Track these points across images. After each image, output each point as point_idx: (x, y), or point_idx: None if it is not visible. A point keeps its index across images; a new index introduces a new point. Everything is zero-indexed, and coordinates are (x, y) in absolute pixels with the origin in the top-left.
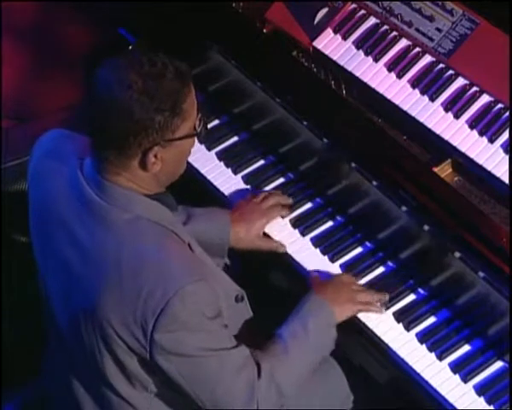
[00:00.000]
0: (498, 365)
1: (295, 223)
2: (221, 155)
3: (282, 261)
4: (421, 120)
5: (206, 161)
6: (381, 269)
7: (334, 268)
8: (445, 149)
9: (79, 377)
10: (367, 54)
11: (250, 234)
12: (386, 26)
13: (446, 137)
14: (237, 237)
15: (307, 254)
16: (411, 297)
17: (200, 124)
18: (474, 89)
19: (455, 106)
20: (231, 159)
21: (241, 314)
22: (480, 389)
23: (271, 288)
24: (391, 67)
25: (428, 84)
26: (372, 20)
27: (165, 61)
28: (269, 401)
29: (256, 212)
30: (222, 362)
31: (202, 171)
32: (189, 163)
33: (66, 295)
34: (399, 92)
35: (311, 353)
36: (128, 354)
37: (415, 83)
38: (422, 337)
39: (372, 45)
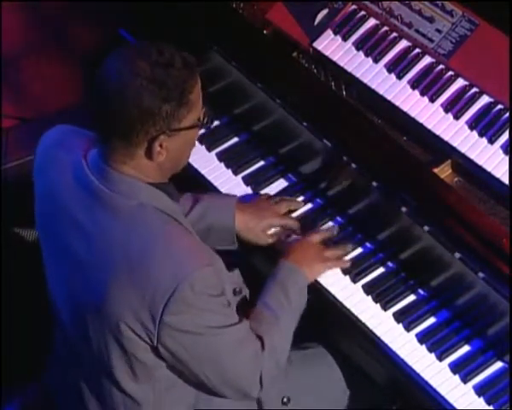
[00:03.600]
0: (498, 365)
1: None
2: (221, 156)
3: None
4: (421, 120)
5: (207, 162)
6: (381, 270)
7: (334, 269)
8: (444, 150)
9: (83, 371)
10: (367, 55)
11: (259, 227)
12: (386, 27)
13: (446, 137)
14: (247, 226)
15: None
16: (411, 298)
17: (205, 116)
18: (474, 90)
19: (455, 107)
20: (231, 160)
21: (238, 308)
22: (480, 390)
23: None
24: (391, 68)
25: (428, 85)
26: (372, 22)
27: (173, 50)
28: (270, 372)
29: (270, 210)
30: (227, 338)
31: (202, 172)
32: (189, 164)
33: (71, 285)
34: (399, 93)
35: (295, 318)
36: (134, 343)
37: (415, 84)
38: (422, 338)
39: (372, 46)
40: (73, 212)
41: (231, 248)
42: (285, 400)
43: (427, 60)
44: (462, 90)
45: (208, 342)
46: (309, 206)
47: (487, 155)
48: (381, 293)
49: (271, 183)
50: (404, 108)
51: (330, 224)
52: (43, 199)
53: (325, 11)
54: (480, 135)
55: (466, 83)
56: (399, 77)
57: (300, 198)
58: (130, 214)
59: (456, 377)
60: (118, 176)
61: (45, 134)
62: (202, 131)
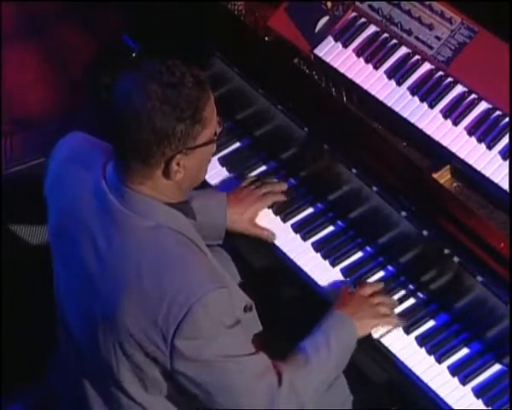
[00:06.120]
0: (496, 367)
1: (297, 228)
2: (223, 161)
3: (285, 267)
4: (421, 126)
5: (208, 167)
6: (381, 273)
7: (335, 272)
8: (444, 155)
9: (90, 378)
10: (367, 61)
11: (244, 217)
12: (386, 34)
13: (445, 143)
14: (232, 218)
15: (308, 259)
16: (411, 301)
17: (220, 128)
18: (473, 96)
19: (454, 113)
20: (234, 164)
21: (249, 325)
22: (479, 392)
23: (274, 293)
24: (391, 74)
25: (428, 92)
26: (372, 29)
27: (184, 69)
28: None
29: (251, 197)
30: (242, 369)
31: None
32: None
33: (83, 299)
34: (399, 99)
35: (332, 367)
36: (145, 360)
37: (414, 90)
38: (422, 340)
39: (372, 53)
40: (91, 229)
41: (217, 243)
42: None
43: (426, 66)
44: (461, 97)
45: (221, 372)
46: (310, 210)
47: (486, 161)
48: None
49: None
50: (404, 114)
51: (378, 277)
52: (57, 213)
53: (326, 18)
54: (479, 141)
55: (465, 89)
56: (399, 83)
57: (301, 202)
58: (145, 235)
59: (455, 380)
60: (136, 196)
61: (60, 144)
62: None
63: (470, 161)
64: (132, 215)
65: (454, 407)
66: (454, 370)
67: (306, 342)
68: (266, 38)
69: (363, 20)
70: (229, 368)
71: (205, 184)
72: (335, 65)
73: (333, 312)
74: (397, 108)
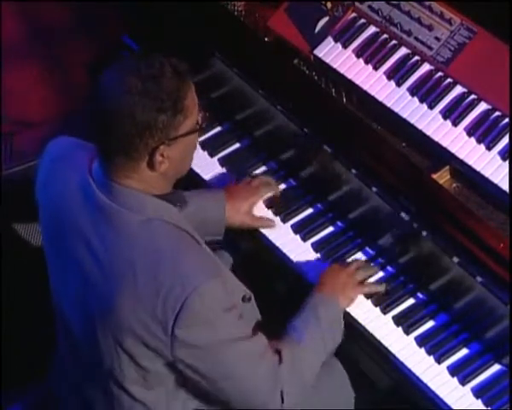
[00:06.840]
0: (496, 368)
1: (296, 228)
2: (223, 162)
3: (285, 267)
4: (420, 127)
5: (209, 168)
6: (380, 274)
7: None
8: (443, 156)
9: (90, 378)
10: (367, 62)
11: (240, 211)
12: (385, 35)
13: (445, 144)
14: (228, 214)
15: (308, 260)
16: (410, 301)
17: (201, 116)
18: (472, 97)
19: (453, 113)
20: (233, 165)
21: (248, 315)
22: (478, 392)
23: (274, 294)
24: (390, 75)
25: (427, 92)
26: (372, 29)
27: (162, 60)
28: (292, 386)
29: (246, 190)
30: (242, 351)
31: (205, 177)
32: (191, 169)
33: (80, 299)
34: (399, 100)
35: (324, 341)
36: (147, 355)
37: (414, 91)
38: (421, 341)
39: (372, 54)
40: (82, 229)
41: (217, 238)
42: None
43: (426, 67)
44: (461, 97)
45: (222, 357)
46: (309, 210)
47: (485, 161)
48: (381, 296)
49: None
50: (404, 115)
51: (378, 277)
52: (49, 214)
53: (326, 19)
54: (479, 141)
55: (464, 90)
56: (399, 84)
57: (301, 203)
58: (137, 229)
59: (455, 380)
60: (125, 191)
61: (47, 148)
62: (206, 136)
63: (470, 162)
64: (123, 210)
65: (453, 407)
66: (453, 370)
67: (296, 320)
68: (266, 39)
69: (362, 20)
70: (231, 352)
71: (205, 186)
72: (335, 65)
73: (314, 292)
74: (396, 109)
